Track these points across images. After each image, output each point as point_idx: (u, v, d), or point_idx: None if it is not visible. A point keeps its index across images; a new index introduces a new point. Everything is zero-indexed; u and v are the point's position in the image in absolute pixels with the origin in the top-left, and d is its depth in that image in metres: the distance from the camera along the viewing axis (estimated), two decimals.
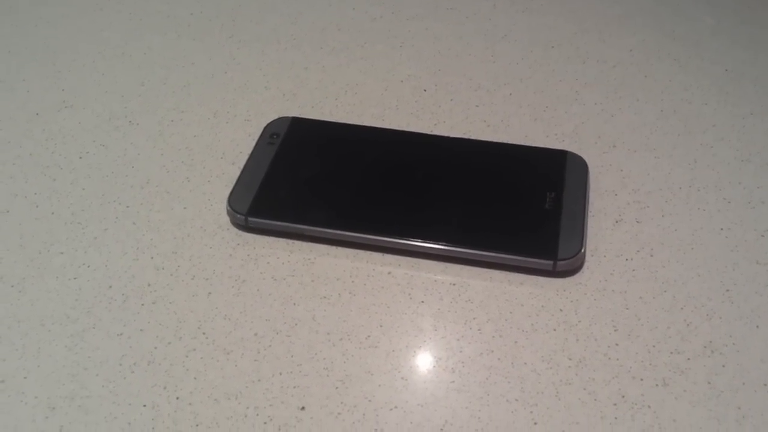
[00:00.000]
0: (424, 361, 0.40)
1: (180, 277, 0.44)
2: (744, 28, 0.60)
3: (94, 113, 0.54)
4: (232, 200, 0.46)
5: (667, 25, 0.60)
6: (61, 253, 0.45)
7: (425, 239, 0.44)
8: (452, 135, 0.51)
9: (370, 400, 0.38)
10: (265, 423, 0.37)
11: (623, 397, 0.38)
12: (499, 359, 0.40)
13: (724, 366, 0.39)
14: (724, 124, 0.52)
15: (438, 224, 0.44)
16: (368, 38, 0.60)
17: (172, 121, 0.53)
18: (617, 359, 0.40)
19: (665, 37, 0.59)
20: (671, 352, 0.40)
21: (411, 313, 0.42)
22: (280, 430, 0.37)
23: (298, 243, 0.45)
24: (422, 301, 0.42)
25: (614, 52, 0.58)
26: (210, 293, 0.43)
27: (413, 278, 0.43)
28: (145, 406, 0.38)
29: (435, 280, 0.43)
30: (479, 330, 0.41)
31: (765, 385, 0.38)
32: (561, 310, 0.42)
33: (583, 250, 0.43)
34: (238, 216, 0.45)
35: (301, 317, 0.42)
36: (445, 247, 0.43)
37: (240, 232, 0.46)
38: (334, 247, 0.45)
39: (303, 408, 0.38)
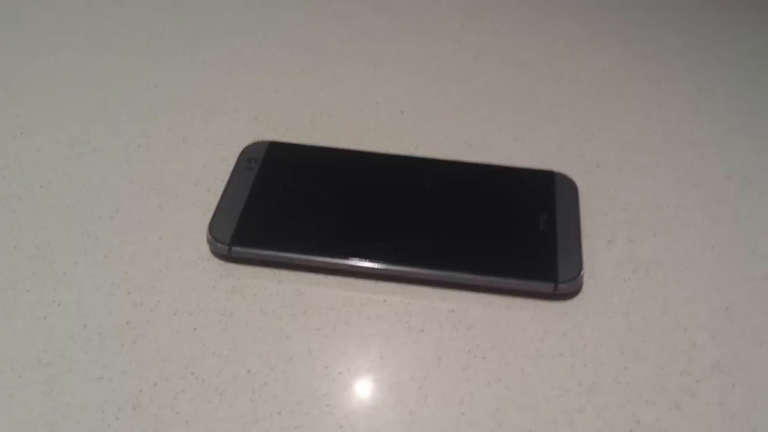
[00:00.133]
0: (430, 393, 0.38)
1: (161, 313, 0.41)
2: (711, 47, 0.61)
3: (53, 139, 0.50)
4: (213, 229, 0.43)
5: (636, 46, 0.60)
6: (28, 290, 0.41)
7: (421, 265, 0.42)
8: (434, 156, 0.49)
9: None
10: None
11: (638, 422, 0.37)
12: (507, 388, 0.38)
13: (733, 386, 0.39)
14: (703, 143, 0.52)
15: (432, 249, 0.43)
16: (338, 60, 0.58)
17: (138, 146, 0.50)
18: (628, 383, 0.39)
19: (635, 57, 0.59)
20: (680, 374, 0.39)
21: (411, 343, 0.40)
22: None
23: (285, 272, 0.43)
24: (422, 330, 0.40)
25: (587, 72, 0.58)
26: (195, 329, 0.40)
27: (410, 306, 0.41)
28: None
29: (433, 307, 0.41)
30: (484, 358, 0.39)
31: None
32: (565, 334, 0.41)
33: (582, 272, 0.42)
34: (221, 245, 0.42)
35: (296, 351, 0.39)
36: (443, 273, 0.42)
37: (222, 263, 0.43)
38: (323, 276, 0.43)
39: None
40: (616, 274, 0.44)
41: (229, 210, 0.44)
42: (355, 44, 0.59)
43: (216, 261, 0.43)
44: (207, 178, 0.48)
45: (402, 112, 0.54)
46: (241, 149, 0.49)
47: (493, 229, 0.44)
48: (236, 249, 0.42)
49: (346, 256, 0.42)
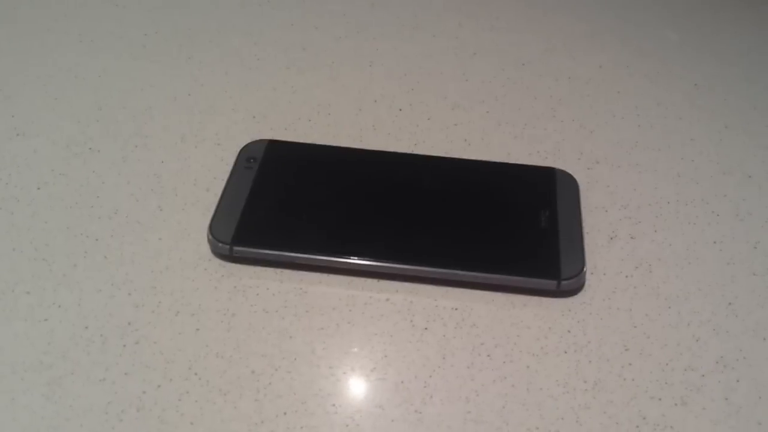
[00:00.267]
0: (436, 392, 0.38)
1: (163, 314, 0.40)
2: (707, 43, 0.61)
3: (49, 140, 0.50)
4: (214, 229, 0.43)
5: (633, 42, 0.60)
6: (28, 292, 0.41)
7: (424, 263, 0.42)
8: (434, 154, 0.49)
9: None
10: None
11: (644, 418, 0.37)
12: (513, 386, 0.38)
13: (738, 381, 0.39)
14: (702, 138, 0.52)
15: (435, 247, 0.42)
16: (335, 58, 0.57)
17: (136, 146, 0.50)
18: (633, 379, 0.38)
19: (632, 53, 0.59)
20: (685, 370, 0.39)
21: (416, 342, 0.40)
22: None
23: (287, 272, 0.43)
24: (426, 328, 0.40)
25: (585, 69, 0.58)
26: (198, 330, 0.40)
27: (413, 304, 0.41)
28: None
29: (436, 306, 0.41)
30: (488, 356, 0.39)
31: None
32: (569, 331, 0.40)
33: (585, 269, 0.42)
34: (222, 245, 0.42)
35: (300, 351, 0.39)
36: (446, 271, 0.42)
37: (223, 263, 0.43)
38: (325, 275, 0.43)
39: None
40: (619, 271, 0.44)
41: (229, 210, 0.44)
42: (351, 42, 0.59)
43: (217, 261, 0.43)
44: (206, 178, 0.48)
45: (400, 110, 0.53)
46: (239, 148, 0.48)
47: (494, 226, 0.44)
48: (238, 249, 0.42)
49: (348, 254, 0.42)
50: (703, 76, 0.57)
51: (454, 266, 0.42)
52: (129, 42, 0.58)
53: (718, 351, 0.40)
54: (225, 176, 0.47)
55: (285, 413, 0.36)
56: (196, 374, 0.38)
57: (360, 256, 0.42)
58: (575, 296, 0.42)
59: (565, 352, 0.39)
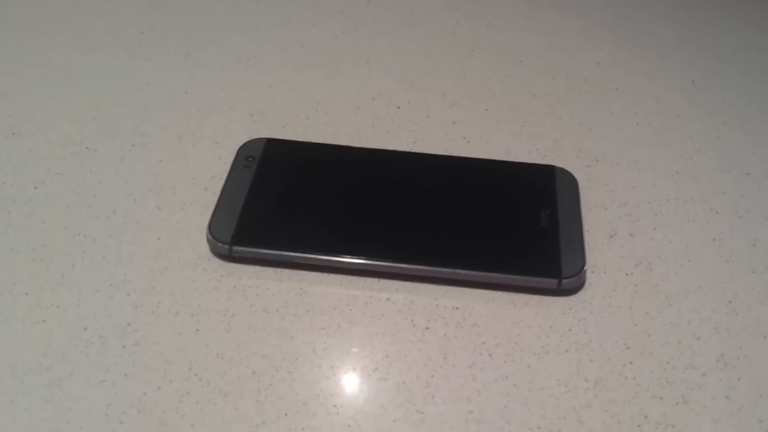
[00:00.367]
0: (437, 392, 0.37)
1: (162, 315, 0.40)
2: (704, 40, 0.61)
3: (45, 139, 0.49)
4: (214, 228, 0.43)
5: (630, 39, 0.60)
6: (26, 293, 0.41)
7: (424, 263, 0.42)
8: (433, 152, 0.49)
9: None
10: None
11: (646, 417, 0.37)
12: (514, 385, 0.38)
13: (739, 379, 0.39)
14: (700, 135, 0.52)
15: (435, 246, 0.42)
16: (333, 55, 0.57)
17: (133, 145, 0.49)
18: (634, 378, 0.38)
19: (630, 51, 0.59)
20: (686, 368, 0.39)
21: (417, 341, 0.40)
22: None
23: (287, 271, 0.42)
24: (426, 328, 0.40)
25: (582, 66, 0.58)
26: (198, 330, 0.39)
27: (414, 304, 0.41)
28: None
29: (437, 305, 0.41)
30: (490, 355, 0.39)
31: None
32: (570, 329, 0.40)
33: (586, 267, 0.42)
34: (221, 245, 0.42)
35: (301, 351, 0.39)
36: (447, 270, 0.41)
37: (223, 262, 0.43)
38: (325, 274, 0.42)
39: None
40: (619, 269, 0.44)
41: (228, 209, 0.44)
42: (348, 40, 0.59)
43: (216, 261, 0.43)
44: (204, 177, 0.47)
45: (398, 108, 0.53)
46: (237, 147, 0.48)
47: (495, 225, 0.44)
48: (237, 248, 0.42)
49: (348, 253, 0.42)
50: (700, 73, 0.57)
51: (455, 265, 0.42)
52: (125, 40, 0.57)
53: (718, 349, 0.40)
54: (223, 175, 0.47)
55: (286, 414, 0.36)
56: (196, 375, 0.38)
57: (360, 255, 0.42)
58: (576, 295, 0.42)
59: (567, 351, 0.39)
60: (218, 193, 0.45)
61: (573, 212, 0.45)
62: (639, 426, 0.37)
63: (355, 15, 0.61)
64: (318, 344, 0.39)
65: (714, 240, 0.45)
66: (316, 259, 0.42)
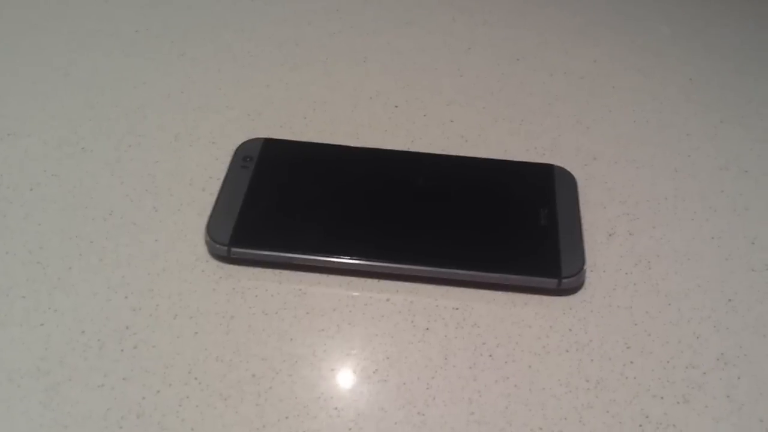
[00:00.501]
0: (438, 393, 0.37)
1: (161, 317, 0.40)
2: (700, 37, 0.61)
3: (41, 140, 0.49)
4: (211, 230, 0.42)
5: (626, 36, 0.60)
6: (23, 297, 0.40)
7: (424, 263, 0.41)
8: (431, 151, 0.49)
9: None
10: None
11: (647, 417, 0.37)
12: (515, 386, 0.38)
13: (739, 378, 0.39)
14: (698, 133, 0.52)
15: (435, 246, 0.42)
16: (329, 54, 0.57)
17: (129, 146, 0.49)
18: (635, 378, 0.38)
19: (626, 48, 0.59)
20: (686, 367, 0.39)
21: (417, 342, 0.39)
22: None
23: (285, 273, 0.42)
24: (427, 329, 0.40)
25: (579, 64, 0.58)
26: (197, 333, 0.39)
27: (414, 304, 0.41)
28: None
29: (437, 306, 0.41)
30: (490, 356, 0.39)
31: None
32: (570, 329, 0.40)
33: (585, 267, 0.42)
34: (219, 246, 0.42)
35: (301, 353, 0.39)
36: (446, 270, 0.41)
37: (221, 264, 0.42)
38: (325, 275, 0.42)
39: None
40: (618, 268, 0.43)
41: (226, 210, 0.43)
42: (345, 38, 0.58)
43: (214, 262, 0.42)
44: (201, 178, 0.47)
45: (396, 107, 0.53)
46: (234, 147, 0.48)
47: (494, 224, 0.44)
48: (236, 250, 0.42)
49: (347, 254, 0.42)
50: (697, 70, 0.57)
51: (455, 265, 0.41)
52: (120, 39, 0.57)
53: (718, 348, 0.40)
54: (221, 175, 0.46)
55: (287, 417, 0.36)
56: (195, 379, 0.37)
57: (359, 256, 0.42)
58: (576, 294, 0.42)
59: (567, 351, 0.39)
60: (216, 194, 0.45)
61: (572, 211, 0.45)
62: (640, 426, 0.37)
63: (351, 13, 0.61)
64: (318, 346, 0.39)
65: (713, 238, 0.45)
66: (315, 260, 0.42)
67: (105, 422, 0.35)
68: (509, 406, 0.37)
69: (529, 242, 0.43)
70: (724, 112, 0.54)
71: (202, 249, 0.43)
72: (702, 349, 0.40)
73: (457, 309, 0.41)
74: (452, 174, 0.46)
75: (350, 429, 0.36)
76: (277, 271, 0.42)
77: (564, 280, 0.41)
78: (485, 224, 0.43)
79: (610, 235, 0.45)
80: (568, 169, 0.48)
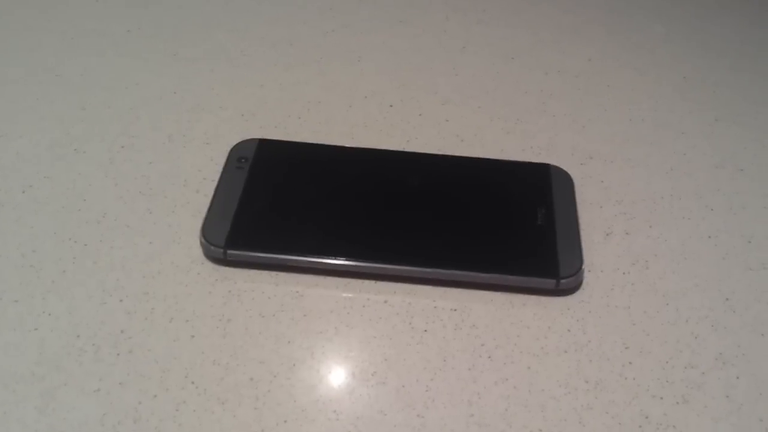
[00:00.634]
0: (438, 396, 0.37)
1: (156, 321, 0.39)
2: (694, 35, 0.61)
3: (32, 142, 0.48)
4: (207, 232, 0.42)
5: (620, 34, 0.60)
6: (16, 301, 0.40)
7: (421, 264, 0.41)
8: (427, 151, 0.48)
9: None
10: None
11: (647, 418, 0.37)
12: (515, 387, 0.38)
13: (738, 378, 0.39)
14: (693, 131, 0.52)
15: (432, 247, 0.42)
16: (323, 53, 0.57)
17: (122, 147, 0.48)
18: (634, 378, 0.38)
19: (621, 46, 0.59)
20: (685, 367, 0.39)
21: (416, 344, 0.39)
22: None
23: (282, 275, 0.42)
24: (425, 330, 0.40)
25: (574, 62, 0.57)
26: (193, 336, 0.39)
27: (411, 306, 0.41)
28: None
29: (435, 307, 0.41)
30: (489, 357, 0.39)
31: None
32: (569, 330, 0.40)
33: (583, 267, 0.42)
34: (215, 249, 0.41)
35: (298, 356, 0.38)
36: (444, 271, 0.41)
37: (217, 266, 0.42)
38: (321, 277, 0.42)
39: None
40: (616, 268, 0.43)
41: (221, 212, 0.43)
42: (338, 37, 0.58)
43: (210, 265, 0.42)
44: (196, 179, 0.47)
45: (391, 106, 0.53)
46: (228, 147, 0.48)
47: (491, 224, 0.43)
48: (232, 252, 0.41)
49: (344, 256, 0.41)
50: (691, 68, 0.57)
51: (452, 266, 0.41)
52: (111, 39, 0.57)
53: (717, 347, 0.40)
54: (215, 176, 0.46)
55: (285, 421, 0.36)
56: (192, 383, 0.37)
57: (356, 257, 0.41)
58: (574, 294, 0.42)
59: (566, 352, 0.39)
60: (210, 195, 0.45)
61: (569, 211, 0.45)
62: (640, 427, 0.36)
63: (344, 12, 0.60)
64: (316, 348, 0.39)
65: (710, 237, 0.45)
66: (312, 261, 0.41)
67: (102, 427, 0.35)
68: (509, 407, 0.37)
69: (526, 242, 0.43)
70: (718, 110, 0.54)
71: (197, 251, 0.43)
72: (700, 349, 0.40)
73: (455, 310, 0.41)
74: (449, 174, 0.46)
75: None
76: (273, 273, 0.42)
77: (562, 281, 0.41)
78: (482, 225, 0.43)
79: (607, 234, 0.45)
80: (565, 168, 0.48)
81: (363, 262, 0.41)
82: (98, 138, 0.49)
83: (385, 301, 0.41)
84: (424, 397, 0.37)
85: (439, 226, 0.43)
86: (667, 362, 0.39)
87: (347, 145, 0.48)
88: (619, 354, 0.39)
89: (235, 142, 0.48)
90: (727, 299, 0.42)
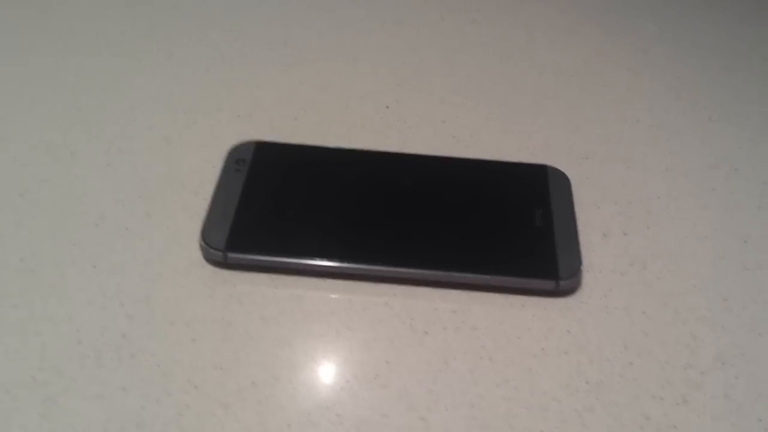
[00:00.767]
0: (440, 399, 0.37)
1: (157, 325, 0.39)
2: (687, 35, 0.61)
3: (28, 145, 0.48)
4: (206, 235, 0.42)
5: (614, 34, 0.60)
6: (15, 306, 0.40)
7: (421, 266, 0.41)
8: (424, 152, 0.48)
9: None
10: None
11: (648, 419, 0.37)
12: (516, 389, 0.38)
13: (737, 378, 0.39)
14: (687, 131, 0.53)
15: (432, 249, 0.42)
16: (319, 54, 0.57)
17: (119, 149, 0.48)
18: (634, 379, 0.39)
19: (614, 46, 0.59)
20: (684, 368, 0.39)
21: (417, 347, 0.39)
22: None
23: (282, 277, 0.42)
24: (426, 332, 0.40)
25: (568, 62, 0.58)
26: (194, 340, 0.39)
27: (412, 308, 0.41)
28: None
29: (435, 309, 0.41)
30: (490, 359, 0.39)
31: None
32: (569, 331, 0.40)
33: (582, 268, 0.42)
34: (215, 252, 0.41)
35: (300, 359, 0.38)
36: (444, 273, 0.41)
37: (217, 269, 0.42)
38: (321, 280, 0.42)
39: None
40: (614, 268, 0.44)
41: (221, 214, 0.43)
42: (333, 38, 0.58)
43: (210, 268, 0.42)
44: (193, 181, 0.47)
45: (387, 107, 0.53)
46: (225, 149, 0.47)
47: (490, 226, 0.44)
48: (232, 255, 0.41)
49: (345, 258, 0.41)
50: (685, 67, 0.58)
51: (452, 268, 0.41)
52: (105, 40, 0.56)
53: (715, 348, 0.40)
54: (213, 179, 0.46)
55: (289, 425, 0.36)
56: (195, 387, 0.37)
57: (356, 259, 0.41)
58: (573, 295, 0.42)
59: (566, 353, 0.39)
60: (209, 197, 0.45)
61: (567, 212, 0.45)
62: (641, 427, 0.37)
63: (339, 12, 0.60)
64: (317, 352, 0.39)
65: (706, 237, 0.46)
66: (312, 264, 0.41)
67: None
68: (511, 409, 0.37)
69: (525, 244, 0.43)
70: (712, 110, 0.54)
71: (196, 254, 0.42)
72: (699, 350, 0.40)
73: (455, 312, 0.41)
74: (448, 176, 0.46)
75: None
76: (273, 276, 0.42)
77: (561, 282, 0.41)
78: (481, 226, 0.43)
79: (604, 235, 0.45)
80: (561, 168, 0.48)
81: (363, 264, 0.41)
82: (94, 140, 0.49)
83: (386, 303, 0.41)
84: (426, 399, 0.37)
85: (438, 227, 0.43)
86: (666, 363, 0.39)
87: (344, 146, 0.48)
88: (618, 355, 0.40)
89: (231, 144, 0.48)
90: (724, 299, 0.42)
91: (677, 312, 0.42)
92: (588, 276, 0.43)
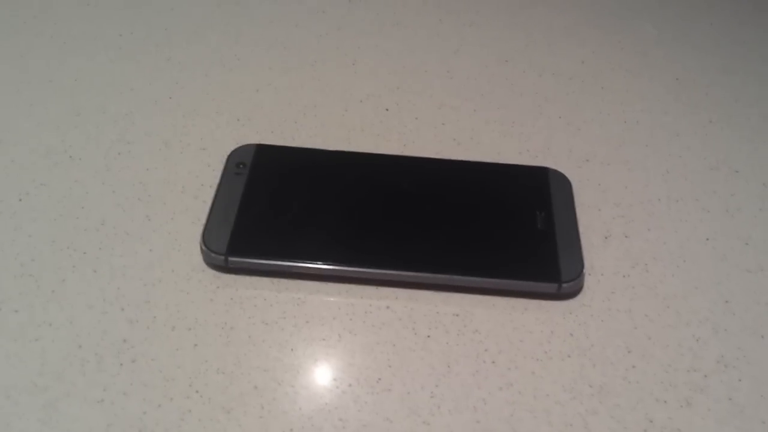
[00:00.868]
0: (443, 402, 0.37)
1: (159, 330, 0.39)
2: (685, 37, 0.61)
3: (27, 148, 0.48)
4: (207, 239, 0.42)
5: (613, 36, 0.60)
6: (16, 311, 0.39)
7: (423, 269, 0.41)
8: (424, 155, 0.48)
9: None
10: None
11: (651, 422, 0.37)
12: (519, 393, 0.38)
13: (740, 380, 0.39)
14: (687, 133, 0.53)
15: (433, 252, 0.42)
16: (318, 56, 0.56)
17: (119, 153, 0.48)
18: (637, 382, 0.39)
19: (613, 48, 0.59)
20: (687, 370, 0.39)
21: (419, 350, 0.39)
22: None
23: (283, 281, 0.42)
24: (428, 336, 0.40)
25: (567, 64, 0.58)
26: (196, 345, 0.39)
27: (414, 311, 0.41)
28: None
29: (437, 312, 0.41)
30: (493, 363, 0.39)
31: None
32: (571, 334, 0.40)
33: (584, 271, 0.42)
34: (216, 256, 0.41)
35: (302, 364, 0.38)
36: (446, 276, 0.41)
37: (218, 274, 0.42)
38: (323, 284, 0.42)
39: None
40: (616, 271, 0.44)
41: (221, 218, 0.43)
42: (332, 40, 0.58)
43: (211, 272, 0.42)
44: (193, 185, 0.46)
45: (387, 110, 0.53)
46: (225, 153, 0.47)
47: (491, 229, 0.43)
48: (233, 259, 0.41)
49: (346, 262, 0.41)
50: (683, 68, 0.58)
51: (454, 271, 0.41)
52: (104, 43, 0.56)
53: (718, 350, 0.40)
54: (213, 182, 0.46)
55: (291, 430, 0.36)
56: (197, 392, 0.37)
57: (358, 263, 0.41)
58: (575, 298, 0.42)
59: (569, 356, 0.39)
60: (209, 201, 0.44)
61: (568, 214, 0.45)
62: (645, 431, 0.37)
63: (337, 14, 0.60)
64: (320, 356, 0.39)
65: (707, 239, 0.46)
66: (313, 268, 0.41)
67: None
68: (514, 413, 0.37)
69: (527, 247, 0.43)
70: (712, 112, 0.54)
71: (197, 258, 0.42)
72: (702, 352, 0.40)
73: (457, 315, 0.41)
74: (449, 179, 0.46)
75: None
76: (275, 280, 0.42)
77: (564, 285, 0.41)
78: (483, 229, 0.43)
79: (606, 237, 0.45)
80: (562, 171, 0.48)
81: (364, 267, 0.41)
82: (94, 144, 0.48)
83: (388, 307, 0.41)
84: (429, 403, 0.37)
85: (440, 231, 0.43)
86: (669, 365, 0.39)
87: (344, 149, 0.48)
88: (622, 358, 0.39)
89: (231, 148, 0.47)
90: (726, 301, 0.42)
91: (679, 314, 0.42)
92: (590, 279, 0.43)
